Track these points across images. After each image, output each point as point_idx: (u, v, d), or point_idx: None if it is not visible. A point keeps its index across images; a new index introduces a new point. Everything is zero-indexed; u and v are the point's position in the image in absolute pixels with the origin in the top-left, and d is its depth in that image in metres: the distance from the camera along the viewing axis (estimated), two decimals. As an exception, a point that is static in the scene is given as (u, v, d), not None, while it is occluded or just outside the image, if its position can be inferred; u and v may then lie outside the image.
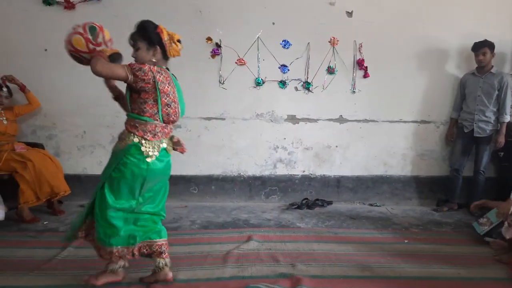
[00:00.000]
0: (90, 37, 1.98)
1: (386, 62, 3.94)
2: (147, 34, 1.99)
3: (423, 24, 3.90)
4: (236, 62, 3.84)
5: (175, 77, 2.14)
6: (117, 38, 3.77)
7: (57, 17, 3.63)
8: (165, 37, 2.01)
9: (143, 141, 1.99)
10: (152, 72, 1.95)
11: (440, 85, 4.01)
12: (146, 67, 1.93)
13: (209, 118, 3.92)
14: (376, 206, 4.00)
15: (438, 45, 3.94)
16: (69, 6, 3.62)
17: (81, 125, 3.79)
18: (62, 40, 3.87)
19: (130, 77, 1.90)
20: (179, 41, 2.07)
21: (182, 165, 3.89)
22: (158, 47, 2.01)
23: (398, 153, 4.11)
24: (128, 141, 1.98)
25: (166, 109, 2.03)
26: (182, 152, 2.18)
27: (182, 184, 3.94)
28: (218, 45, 3.79)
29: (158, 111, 2.01)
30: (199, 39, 3.78)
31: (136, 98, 1.98)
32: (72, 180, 3.57)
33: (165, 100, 2.00)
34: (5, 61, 3.62)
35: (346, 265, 2.49)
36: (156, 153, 2.02)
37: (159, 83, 1.97)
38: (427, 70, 3.99)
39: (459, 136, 3.84)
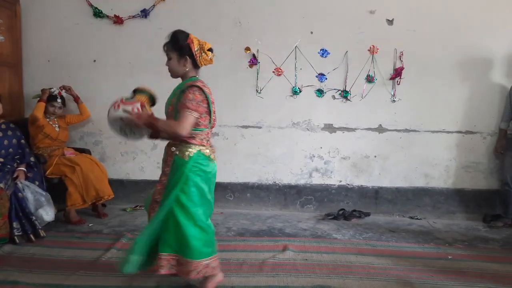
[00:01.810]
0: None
1: (429, 70, 3.82)
2: (177, 45, 2.04)
3: (468, 31, 3.75)
4: (273, 72, 3.88)
5: None
6: (162, 48, 3.95)
7: (106, 30, 3.85)
8: (195, 48, 2.03)
9: (203, 147, 2.09)
10: (204, 93, 2.02)
11: (487, 94, 3.82)
12: (198, 96, 1.98)
13: (245, 127, 3.98)
14: (417, 219, 3.85)
15: (484, 53, 3.77)
16: (118, 21, 3.83)
17: (124, 132, 3.97)
18: (110, 52, 4.13)
19: (197, 113, 1.99)
20: (210, 49, 2.08)
21: (219, 172, 3.87)
22: (188, 57, 2.04)
23: (441, 165, 3.94)
24: (190, 152, 2.04)
25: (214, 116, 2.14)
26: None
27: (218, 191, 3.93)
28: (254, 56, 3.84)
29: (209, 121, 2.12)
30: (238, 49, 3.86)
31: None
32: (116, 184, 3.74)
33: (214, 109, 2.11)
34: (58, 71, 3.88)
35: (385, 279, 2.42)
36: (213, 156, 2.15)
37: (209, 96, 2.05)
38: (472, 79, 3.82)
39: (509, 148, 3.63)
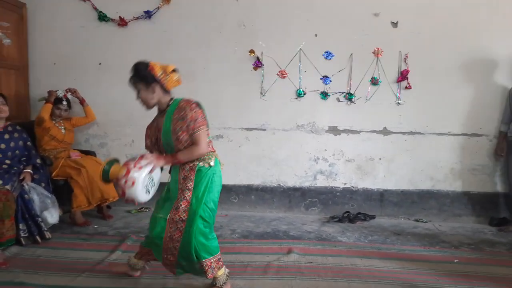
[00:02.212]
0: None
1: (434, 73, 3.80)
2: (140, 76, 2.04)
3: (473, 33, 3.74)
4: (277, 74, 3.88)
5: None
6: (166, 51, 3.98)
7: (111, 33, 3.87)
8: (158, 73, 2.04)
9: (215, 154, 2.17)
10: (201, 106, 2.08)
11: (492, 96, 3.80)
12: (200, 112, 2.04)
13: (250, 129, 3.98)
14: (422, 222, 3.83)
15: (489, 55, 3.75)
16: (122, 23, 3.86)
17: (130, 134, 3.99)
18: (115, 55, 4.14)
19: (207, 128, 2.06)
20: (174, 70, 2.09)
21: (223, 174, 3.94)
22: (155, 85, 2.04)
23: (446, 167, 3.92)
24: (211, 160, 2.11)
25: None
26: None
27: (222, 193, 3.89)
28: (258, 59, 3.85)
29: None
30: (242, 51, 3.87)
31: None
32: (120, 186, 3.75)
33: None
34: (64, 74, 3.91)
35: (391, 282, 2.40)
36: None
37: (201, 105, 2.10)
38: (477, 81, 3.80)
39: (510, 151, 3.60)
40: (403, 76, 3.80)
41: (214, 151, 2.18)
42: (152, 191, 2.09)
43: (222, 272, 2.17)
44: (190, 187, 2.05)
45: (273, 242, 3.09)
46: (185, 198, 2.05)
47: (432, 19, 3.76)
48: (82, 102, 3.69)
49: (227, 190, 3.98)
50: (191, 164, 2.08)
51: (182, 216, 2.04)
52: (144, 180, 1.95)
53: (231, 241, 3.11)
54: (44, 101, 3.47)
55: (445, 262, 2.79)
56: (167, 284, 2.29)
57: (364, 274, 2.52)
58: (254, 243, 3.07)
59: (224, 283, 2.18)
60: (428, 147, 3.90)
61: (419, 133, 3.90)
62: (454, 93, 3.82)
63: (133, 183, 1.90)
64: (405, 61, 3.81)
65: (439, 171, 3.93)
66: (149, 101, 2.09)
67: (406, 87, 3.83)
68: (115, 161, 2.11)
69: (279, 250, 2.90)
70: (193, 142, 2.03)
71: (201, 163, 2.08)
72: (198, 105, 2.07)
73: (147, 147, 2.25)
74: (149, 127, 2.23)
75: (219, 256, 2.16)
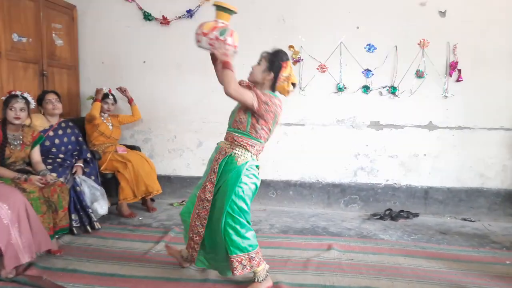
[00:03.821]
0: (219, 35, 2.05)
1: (485, 64, 3.59)
2: (272, 59, 2.12)
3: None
4: (317, 68, 3.83)
5: None
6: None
7: (154, 32, 4.00)
8: (283, 72, 2.11)
9: (255, 156, 2.18)
10: (275, 106, 2.08)
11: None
12: (270, 102, 2.05)
13: (288, 124, 3.96)
14: (470, 221, 3.64)
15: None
16: (165, 22, 3.97)
17: (172, 130, 4.11)
18: (158, 53, 4.26)
19: (256, 106, 2.04)
20: (294, 84, 2.16)
21: (262, 169, 3.96)
22: (272, 74, 2.11)
23: (497, 164, 3.70)
24: (246, 157, 2.13)
25: (272, 134, 2.21)
26: None
27: (261, 188, 3.92)
28: (298, 53, 3.81)
29: (268, 136, 2.18)
30: (282, 46, 3.78)
31: (255, 123, 2.10)
32: (163, 180, 3.89)
33: (276, 128, 2.18)
34: (111, 73, 4.09)
35: (437, 283, 2.32)
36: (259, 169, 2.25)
37: (277, 116, 2.12)
38: (535, 71, 3.54)
39: None
40: (451, 68, 3.61)
41: (256, 155, 2.18)
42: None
43: (262, 268, 2.18)
44: (215, 170, 2.12)
45: (313, 238, 3.07)
46: (211, 180, 2.12)
47: (484, 7, 3.53)
48: (130, 101, 3.84)
49: (265, 185, 4.01)
50: (225, 151, 2.13)
51: (207, 196, 2.12)
52: (206, 44, 2.09)
53: (270, 235, 3.13)
54: (92, 100, 3.65)
55: (496, 263, 2.65)
56: (209, 276, 2.35)
57: (408, 273, 2.45)
58: (293, 238, 3.07)
59: (264, 279, 2.19)
60: (478, 143, 3.69)
61: (468, 127, 3.70)
62: (506, 85, 3.59)
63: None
64: (453, 52, 3.62)
65: (490, 168, 3.71)
66: (256, 77, 2.15)
67: (454, 80, 3.64)
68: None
69: (319, 246, 2.88)
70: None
71: (233, 154, 2.10)
72: (274, 102, 2.09)
73: None
74: None
75: (253, 255, 2.12)
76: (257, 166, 2.20)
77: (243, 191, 2.10)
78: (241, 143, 2.13)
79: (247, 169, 2.11)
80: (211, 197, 2.12)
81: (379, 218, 3.63)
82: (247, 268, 2.11)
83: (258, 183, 2.21)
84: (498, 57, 3.57)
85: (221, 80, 2.11)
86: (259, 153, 2.21)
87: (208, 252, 2.22)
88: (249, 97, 2.03)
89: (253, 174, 2.15)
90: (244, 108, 2.11)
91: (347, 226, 3.43)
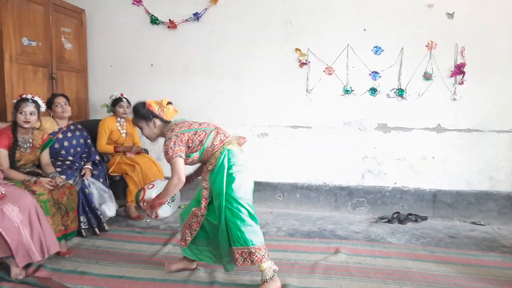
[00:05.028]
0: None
1: (494, 66, 3.55)
2: (140, 114, 2.29)
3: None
4: (324, 71, 3.83)
5: None
6: (214, 51, 4.07)
7: (162, 36, 4.03)
8: (155, 109, 2.27)
9: (222, 147, 2.28)
10: (178, 137, 2.18)
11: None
12: (171, 143, 2.16)
13: (295, 127, 3.96)
14: (480, 224, 3.60)
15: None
16: (172, 26, 3.99)
17: (178, 132, 4.12)
18: (165, 56, 4.29)
19: (183, 155, 2.18)
20: (169, 103, 2.31)
21: (268, 172, 3.99)
22: (154, 119, 2.28)
23: (507, 167, 3.65)
24: (216, 158, 2.24)
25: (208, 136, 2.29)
26: None
27: (267, 191, 4.03)
28: (304, 56, 3.81)
29: (205, 140, 2.25)
30: (288, 49, 3.86)
31: (189, 153, 2.25)
32: (170, 182, 3.90)
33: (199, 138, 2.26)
34: (119, 76, 4.13)
35: (446, 287, 2.29)
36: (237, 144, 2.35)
37: (185, 134, 2.20)
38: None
39: None
40: (459, 70, 3.59)
41: (226, 142, 2.23)
42: (173, 205, 2.40)
43: (267, 266, 2.19)
44: (206, 187, 2.25)
45: (320, 241, 3.06)
46: (203, 196, 2.26)
47: (492, 8, 3.51)
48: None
49: (272, 187, 4.01)
50: (207, 168, 2.23)
51: (203, 212, 2.25)
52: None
53: (277, 238, 3.13)
54: (106, 107, 3.65)
55: (507, 268, 2.61)
56: (216, 278, 2.35)
57: (416, 277, 2.42)
58: (301, 241, 3.06)
59: (271, 278, 2.19)
60: (487, 145, 3.65)
61: (477, 130, 3.66)
62: (517, 87, 3.55)
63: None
64: (461, 54, 3.59)
65: (499, 171, 3.67)
66: (152, 135, 2.34)
67: (462, 82, 3.61)
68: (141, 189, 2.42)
69: (326, 250, 2.86)
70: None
71: (210, 166, 2.21)
72: (171, 137, 2.18)
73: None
74: None
75: (253, 250, 2.14)
76: (231, 150, 2.21)
77: (232, 182, 2.15)
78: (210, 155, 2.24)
79: (227, 162, 2.18)
80: (205, 212, 2.26)
81: (387, 221, 3.60)
82: (248, 262, 2.15)
83: (243, 169, 2.21)
84: (507, 59, 3.53)
85: (175, 190, 2.23)
86: (221, 141, 2.24)
87: (214, 247, 2.31)
88: (180, 161, 2.17)
89: (236, 163, 2.19)
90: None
91: (355, 229, 3.41)
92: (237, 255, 2.16)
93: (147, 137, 2.36)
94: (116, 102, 3.60)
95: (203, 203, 2.25)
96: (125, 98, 3.67)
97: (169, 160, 2.18)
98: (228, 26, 3.93)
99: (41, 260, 2.37)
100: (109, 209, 3.14)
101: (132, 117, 2.38)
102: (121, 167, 3.48)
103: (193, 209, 2.29)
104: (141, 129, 2.34)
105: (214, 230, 2.27)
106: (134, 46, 4.10)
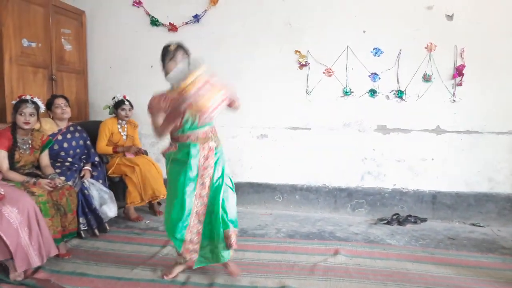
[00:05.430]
0: None
1: (493, 67, 3.56)
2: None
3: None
4: (323, 72, 3.83)
5: None
6: (214, 51, 4.08)
7: (162, 37, 4.01)
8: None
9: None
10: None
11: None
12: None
13: (294, 128, 3.96)
14: (479, 226, 3.60)
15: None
16: (173, 28, 4.00)
17: (178, 133, 4.12)
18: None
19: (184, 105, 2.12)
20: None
21: (268, 173, 3.99)
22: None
23: (506, 168, 3.65)
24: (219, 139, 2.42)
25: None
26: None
27: (267, 192, 4.03)
28: (304, 57, 3.82)
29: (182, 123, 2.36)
30: (288, 50, 3.86)
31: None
32: (170, 184, 3.90)
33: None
34: (119, 77, 4.14)
35: (446, 289, 2.29)
36: None
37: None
38: (545, 74, 3.50)
39: None
40: (459, 72, 3.59)
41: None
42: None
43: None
44: (212, 164, 2.29)
45: (319, 243, 3.06)
46: (209, 175, 2.28)
47: (491, 9, 3.51)
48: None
49: (271, 189, 4.01)
50: (210, 145, 2.29)
51: (207, 192, 2.28)
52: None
53: (277, 240, 3.13)
54: (109, 109, 3.65)
55: (506, 270, 2.61)
56: (216, 280, 2.35)
57: (416, 279, 2.42)
58: (300, 243, 3.06)
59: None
60: (486, 147, 3.65)
61: (477, 132, 3.66)
62: (516, 88, 3.56)
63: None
64: (461, 56, 3.60)
65: (499, 173, 3.67)
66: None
67: (462, 84, 3.62)
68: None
69: (326, 251, 2.86)
70: None
71: (216, 144, 2.32)
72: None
73: None
74: None
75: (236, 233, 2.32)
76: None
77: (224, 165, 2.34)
78: (212, 131, 2.34)
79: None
80: (210, 190, 2.29)
81: (386, 223, 3.60)
82: (235, 243, 2.28)
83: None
84: (507, 61, 3.53)
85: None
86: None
87: (205, 245, 2.32)
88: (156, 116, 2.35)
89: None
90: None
91: (354, 230, 3.41)
92: (231, 233, 2.26)
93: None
94: (119, 104, 3.59)
95: (208, 181, 2.28)
96: (127, 100, 3.67)
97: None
98: (228, 27, 3.94)
99: (41, 263, 2.36)
100: (110, 209, 3.14)
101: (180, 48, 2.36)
102: (121, 168, 3.48)
103: (192, 193, 2.26)
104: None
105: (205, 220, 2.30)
106: (134, 48, 4.10)
